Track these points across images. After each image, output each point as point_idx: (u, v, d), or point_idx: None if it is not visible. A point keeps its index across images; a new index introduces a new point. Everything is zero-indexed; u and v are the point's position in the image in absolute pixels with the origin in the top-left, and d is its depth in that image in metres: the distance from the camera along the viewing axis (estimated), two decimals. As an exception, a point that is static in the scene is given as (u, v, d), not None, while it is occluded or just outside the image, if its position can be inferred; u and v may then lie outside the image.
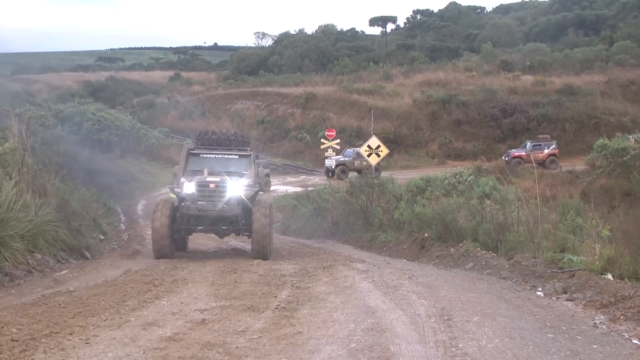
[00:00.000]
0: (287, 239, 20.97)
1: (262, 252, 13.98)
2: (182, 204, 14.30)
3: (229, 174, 14.67)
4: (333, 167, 41.34)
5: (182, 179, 14.58)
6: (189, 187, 14.26)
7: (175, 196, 15.07)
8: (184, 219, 14.38)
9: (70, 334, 6.97)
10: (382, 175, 22.41)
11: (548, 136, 43.84)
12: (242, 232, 14.80)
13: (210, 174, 14.54)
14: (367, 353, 6.22)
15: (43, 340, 6.68)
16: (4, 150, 13.15)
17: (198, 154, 15.47)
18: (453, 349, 6.34)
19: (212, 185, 14.21)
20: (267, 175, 29.97)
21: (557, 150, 41.98)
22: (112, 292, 9.52)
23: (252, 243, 14.17)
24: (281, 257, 14.65)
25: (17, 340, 6.61)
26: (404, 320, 7.58)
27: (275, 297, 9.23)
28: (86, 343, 6.63)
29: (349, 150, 43.28)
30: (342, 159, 42.05)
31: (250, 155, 15.59)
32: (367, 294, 9.32)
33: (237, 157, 15.43)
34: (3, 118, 20.25)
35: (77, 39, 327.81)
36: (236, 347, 6.49)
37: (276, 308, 8.41)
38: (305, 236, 21.90)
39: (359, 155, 40.74)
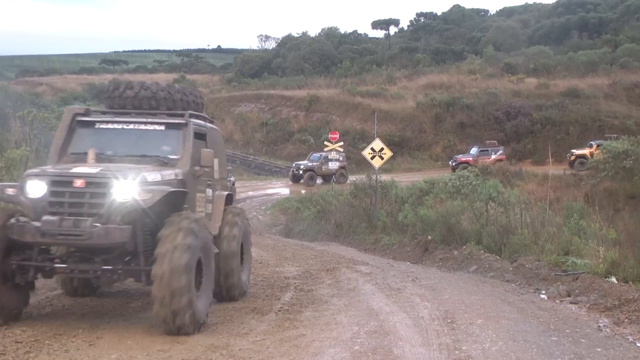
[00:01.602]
0: (290, 241, 20.97)
1: (168, 321, 6.98)
2: (13, 220, 7.34)
3: (140, 160, 8.15)
4: (300, 172, 39.94)
5: (32, 170, 7.87)
6: (34, 187, 7.40)
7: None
8: (27, 248, 7.47)
9: (74, 336, 6.97)
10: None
11: (495, 142, 44.02)
12: (144, 277, 7.37)
13: (99, 160, 8.07)
14: (370, 356, 6.22)
15: (47, 342, 6.69)
16: (10, 155, 13.15)
17: (91, 124, 8.61)
18: (456, 352, 6.33)
19: (78, 183, 7.31)
20: (233, 184, 25.15)
21: (504, 156, 42.15)
22: (116, 294, 9.53)
23: (154, 300, 6.98)
24: (285, 259, 14.62)
25: (21, 342, 6.62)
26: (407, 322, 7.57)
27: (279, 299, 9.23)
28: (90, 345, 6.64)
29: (315, 154, 41.63)
30: (310, 164, 40.23)
31: (187, 124, 8.55)
32: (371, 297, 9.32)
33: (161, 128, 8.56)
34: (7, 120, 20.28)
35: (81, 41, 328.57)
36: (239, 350, 6.49)
37: (279, 310, 8.41)
38: (308, 238, 21.90)
39: (326, 159, 40.19)
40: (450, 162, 42.43)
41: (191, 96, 9.27)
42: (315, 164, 40.06)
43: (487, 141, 44.46)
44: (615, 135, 42.49)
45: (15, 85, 75.58)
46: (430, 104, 54.43)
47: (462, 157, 41.89)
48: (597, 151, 40.61)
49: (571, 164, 39.99)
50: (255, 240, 20.32)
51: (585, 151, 41.34)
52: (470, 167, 37.30)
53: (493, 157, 41.28)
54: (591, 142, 42.45)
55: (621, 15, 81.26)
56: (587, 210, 14.11)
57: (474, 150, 42.64)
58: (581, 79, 58.55)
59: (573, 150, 42.43)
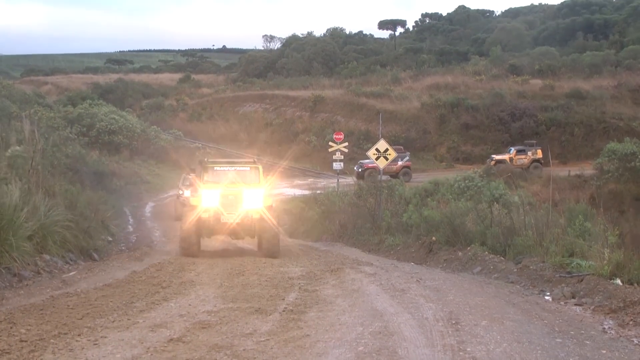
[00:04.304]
0: (294, 241, 20.97)
1: None
2: None
3: None
4: None
5: None
6: None
7: None
8: None
9: (79, 335, 6.98)
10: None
11: (401, 147, 43.71)
12: None
13: None
14: (374, 356, 6.21)
15: (51, 341, 6.70)
16: (12, 154, 13.19)
17: None
18: (461, 353, 6.32)
19: None
20: None
21: (410, 163, 42.12)
22: (120, 293, 9.53)
23: None
24: (289, 259, 14.62)
25: (26, 341, 6.63)
26: (411, 323, 7.55)
27: (283, 299, 9.22)
28: (94, 344, 6.64)
29: None
30: None
31: None
32: (375, 297, 9.30)
33: None
34: (13, 119, 20.35)
35: (86, 41, 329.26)
36: (243, 350, 6.49)
37: (284, 311, 8.40)
38: (312, 239, 21.90)
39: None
40: (355, 168, 41.38)
41: None
42: None
43: (394, 147, 44.21)
44: (535, 142, 42.93)
45: (20, 84, 75.99)
46: (435, 105, 54.42)
47: (368, 163, 41.44)
48: (516, 157, 41.12)
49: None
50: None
51: (505, 157, 41.71)
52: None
53: (400, 163, 41.10)
54: (510, 148, 42.79)
55: (627, 17, 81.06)
56: (590, 212, 14.06)
57: None
58: (586, 80, 58.49)
59: (493, 156, 42.92)
